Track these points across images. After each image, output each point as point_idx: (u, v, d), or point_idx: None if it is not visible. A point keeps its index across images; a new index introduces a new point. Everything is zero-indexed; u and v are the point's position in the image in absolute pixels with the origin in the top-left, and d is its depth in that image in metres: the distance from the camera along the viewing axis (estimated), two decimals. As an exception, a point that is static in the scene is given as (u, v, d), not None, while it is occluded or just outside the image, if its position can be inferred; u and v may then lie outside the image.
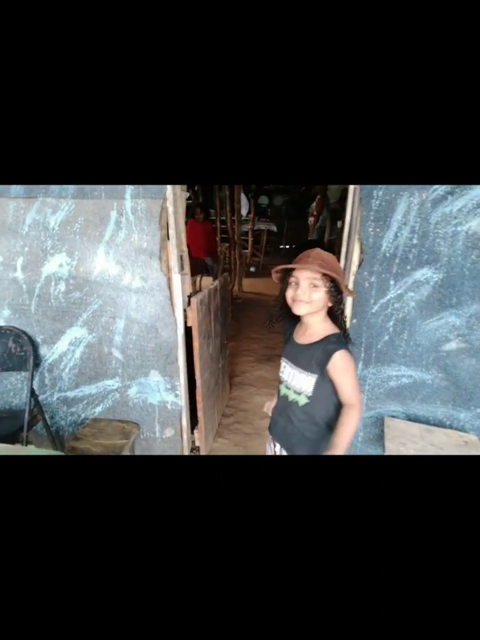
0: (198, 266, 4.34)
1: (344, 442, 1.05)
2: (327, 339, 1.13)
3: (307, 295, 1.09)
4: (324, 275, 1.07)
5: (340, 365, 1.09)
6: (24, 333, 1.83)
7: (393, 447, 1.46)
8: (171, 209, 1.66)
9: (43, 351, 1.90)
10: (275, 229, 7.31)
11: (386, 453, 1.46)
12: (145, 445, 2.03)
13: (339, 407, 1.16)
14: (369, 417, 1.80)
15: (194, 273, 4.50)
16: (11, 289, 1.80)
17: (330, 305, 1.14)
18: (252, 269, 6.79)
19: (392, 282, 1.59)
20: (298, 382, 1.19)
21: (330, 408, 1.17)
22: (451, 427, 1.67)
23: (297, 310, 1.12)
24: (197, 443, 2.16)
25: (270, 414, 1.34)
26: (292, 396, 1.22)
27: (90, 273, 1.76)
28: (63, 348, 1.89)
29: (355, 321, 1.68)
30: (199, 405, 2.02)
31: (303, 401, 1.19)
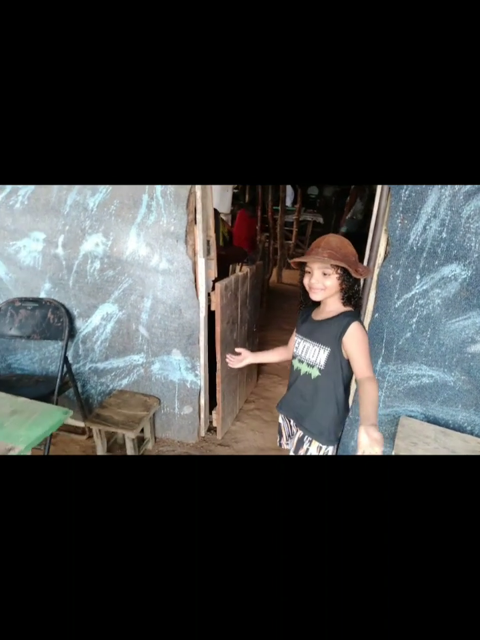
0: (239, 254, 4.40)
1: (374, 414, 1.04)
2: (343, 314, 1.21)
3: (320, 282, 1.18)
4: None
5: (356, 334, 1.15)
6: (62, 305, 1.98)
7: (403, 446, 1.42)
8: (199, 193, 1.70)
9: (78, 323, 2.05)
10: (321, 220, 7.12)
11: (393, 452, 1.43)
12: (165, 419, 2.13)
13: (347, 382, 1.25)
14: (385, 414, 1.76)
15: (234, 260, 4.58)
16: (53, 265, 1.96)
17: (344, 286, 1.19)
18: (295, 260, 6.70)
19: (418, 277, 1.53)
20: (312, 355, 1.26)
21: (338, 383, 1.24)
22: (471, 433, 1.60)
23: (314, 296, 1.22)
24: (214, 424, 2.23)
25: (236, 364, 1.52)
26: (305, 369, 1.29)
27: (122, 253, 1.86)
28: (96, 322, 2.02)
29: (377, 315, 1.64)
30: (218, 387, 2.08)
31: (315, 373, 1.26)
